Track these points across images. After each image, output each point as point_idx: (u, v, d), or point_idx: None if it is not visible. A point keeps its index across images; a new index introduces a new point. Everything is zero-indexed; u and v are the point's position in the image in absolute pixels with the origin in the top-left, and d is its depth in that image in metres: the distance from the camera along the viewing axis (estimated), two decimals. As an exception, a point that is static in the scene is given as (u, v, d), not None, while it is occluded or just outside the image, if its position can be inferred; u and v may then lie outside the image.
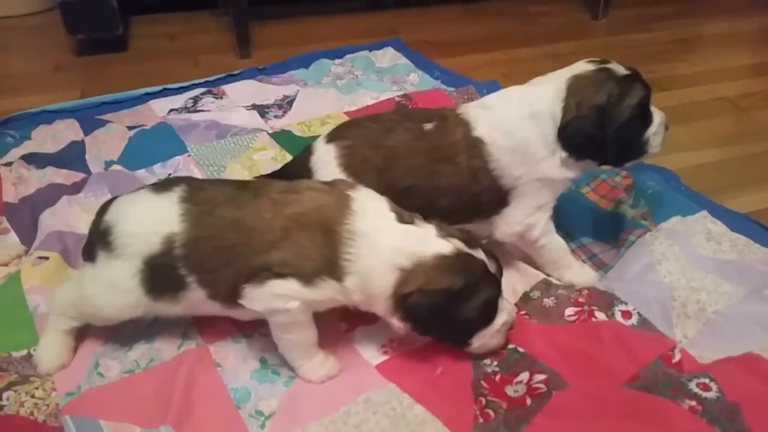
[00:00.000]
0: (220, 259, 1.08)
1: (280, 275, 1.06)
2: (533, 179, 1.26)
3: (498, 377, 1.14)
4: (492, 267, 1.12)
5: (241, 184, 1.19)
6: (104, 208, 1.17)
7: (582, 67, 1.27)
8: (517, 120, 1.25)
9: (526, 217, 1.29)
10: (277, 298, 1.07)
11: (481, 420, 1.06)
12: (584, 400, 1.06)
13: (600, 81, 1.23)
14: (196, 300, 1.13)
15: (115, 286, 1.12)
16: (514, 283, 1.34)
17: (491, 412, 1.07)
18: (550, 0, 3.20)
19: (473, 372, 1.15)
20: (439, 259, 1.06)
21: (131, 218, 1.12)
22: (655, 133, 1.30)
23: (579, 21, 2.99)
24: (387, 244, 1.07)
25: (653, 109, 1.31)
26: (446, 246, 1.08)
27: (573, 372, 1.13)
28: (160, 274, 1.10)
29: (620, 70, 1.26)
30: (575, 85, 1.24)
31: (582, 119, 1.22)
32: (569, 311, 1.26)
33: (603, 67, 1.26)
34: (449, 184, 1.26)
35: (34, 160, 1.77)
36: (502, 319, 1.14)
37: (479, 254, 1.11)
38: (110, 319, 1.17)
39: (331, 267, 1.06)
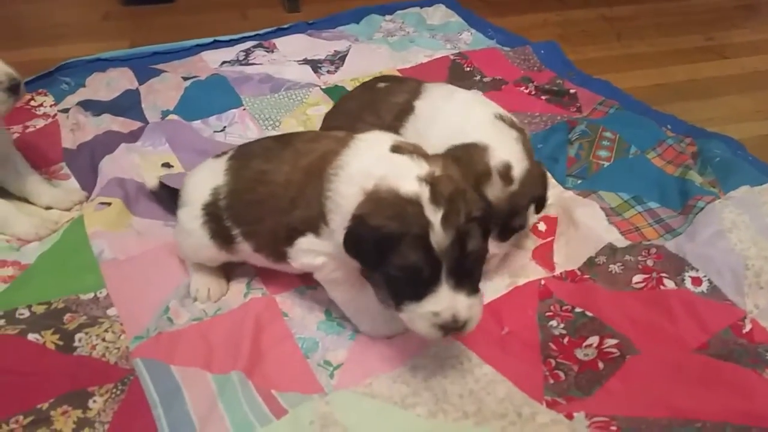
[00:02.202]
0: (254, 214, 1.11)
1: (302, 232, 1.06)
2: None
3: (566, 340, 1.13)
4: (447, 237, 0.92)
5: (280, 137, 1.20)
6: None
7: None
8: None
9: None
10: (305, 254, 1.07)
11: (552, 381, 1.05)
12: (659, 366, 1.05)
13: None
14: (246, 252, 1.16)
15: (184, 228, 1.21)
16: (578, 247, 1.32)
17: (561, 374, 1.07)
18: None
19: (540, 333, 1.14)
20: (390, 193, 0.93)
21: (195, 174, 1.24)
22: None
23: (636, -17, 2.88)
24: (358, 167, 0.99)
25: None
26: (410, 186, 0.93)
27: (643, 338, 1.12)
28: (214, 223, 1.16)
29: None
30: None
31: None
32: (637, 278, 1.24)
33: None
34: None
35: (90, 107, 1.77)
36: (431, 306, 0.94)
37: (453, 218, 0.92)
38: (195, 258, 1.23)
39: (322, 210, 1.01)
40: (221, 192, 1.14)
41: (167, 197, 1.38)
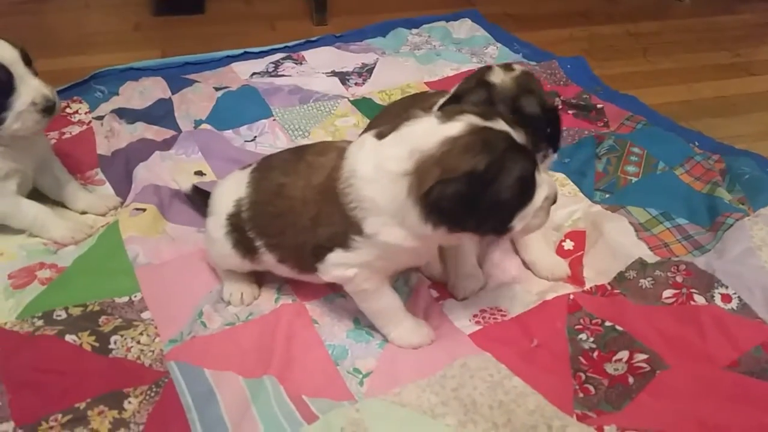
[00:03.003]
0: (275, 226, 1.13)
1: (330, 249, 1.07)
2: None
3: (596, 354, 1.13)
4: (519, 137, 0.98)
5: (296, 149, 1.21)
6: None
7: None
8: None
9: None
10: (336, 267, 1.08)
11: (582, 395, 1.06)
12: (689, 381, 1.05)
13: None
14: (270, 263, 1.19)
15: (211, 237, 1.23)
16: (608, 261, 1.32)
17: (591, 388, 1.07)
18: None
19: (570, 347, 1.14)
20: (448, 143, 0.94)
21: (222, 184, 1.27)
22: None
23: (662, 1, 2.89)
24: (374, 164, 0.99)
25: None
26: (453, 127, 0.95)
27: (673, 354, 1.12)
28: (237, 233, 1.18)
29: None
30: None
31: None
32: (667, 293, 1.24)
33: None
34: None
35: (124, 115, 1.81)
36: (543, 193, 1.00)
37: (500, 125, 0.97)
38: (222, 265, 1.25)
39: (350, 223, 1.03)
40: (243, 204, 1.16)
41: (200, 201, 1.41)
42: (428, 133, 0.96)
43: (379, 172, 0.98)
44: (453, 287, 1.27)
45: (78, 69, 2.10)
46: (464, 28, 2.43)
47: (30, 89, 1.26)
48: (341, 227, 1.03)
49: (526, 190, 0.98)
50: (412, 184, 0.96)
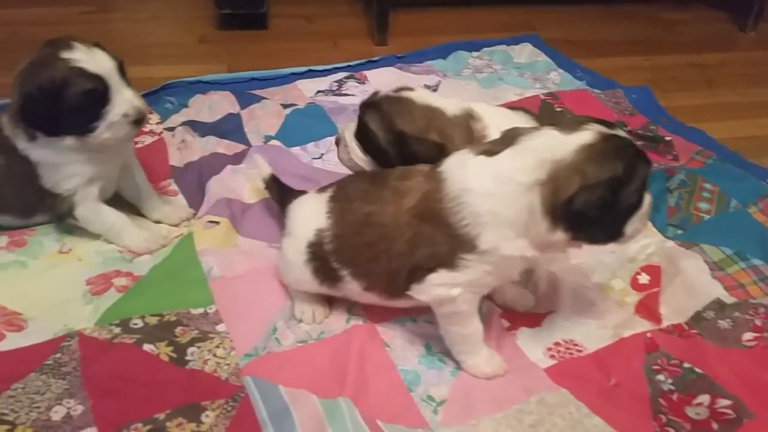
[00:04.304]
0: (365, 255, 1.13)
1: (431, 269, 1.07)
2: None
3: (675, 396, 1.11)
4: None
5: (372, 177, 1.22)
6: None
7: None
8: None
9: None
10: (438, 288, 1.08)
11: (663, 437, 1.03)
12: (778, 433, 1.02)
13: None
14: (354, 291, 1.19)
15: (287, 259, 1.24)
16: (684, 300, 1.30)
17: (672, 431, 1.04)
18: (689, 8, 3.05)
19: (649, 387, 1.12)
20: (585, 150, 0.98)
21: (299, 206, 1.28)
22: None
23: (725, 32, 2.84)
24: (494, 178, 1.01)
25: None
26: (586, 135, 0.99)
27: (757, 401, 1.09)
28: (319, 262, 1.19)
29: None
30: None
31: None
32: (747, 336, 1.21)
33: None
34: None
35: (195, 127, 1.85)
36: (649, 198, 1.06)
37: (620, 132, 1.03)
38: (296, 287, 1.27)
39: (458, 242, 1.04)
40: (326, 236, 1.17)
41: (276, 192, 1.44)
42: (558, 143, 1.00)
43: (502, 185, 1.00)
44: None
45: (144, 79, 2.14)
46: (525, 52, 2.42)
47: (124, 101, 1.29)
48: (445, 247, 1.04)
49: (643, 192, 1.04)
50: (546, 193, 0.98)
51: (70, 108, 1.25)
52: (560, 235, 1.01)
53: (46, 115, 1.26)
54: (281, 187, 1.43)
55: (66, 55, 1.24)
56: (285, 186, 1.43)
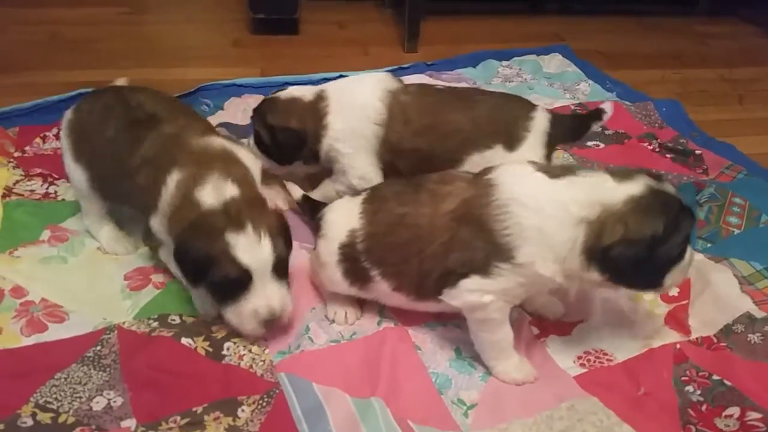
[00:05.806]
0: (397, 255, 1.16)
1: (464, 275, 1.09)
2: None
3: (704, 407, 1.11)
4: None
5: (407, 180, 1.24)
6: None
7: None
8: None
9: None
10: (471, 293, 1.10)
11: (693, 448, 1.04)
12: (810, 448, 1.02)
13: None
14: (383, 292, 1.21)
15: (320, 259, 1.27)
16: (714, 312, 1.30)
17: (702, 442, 1.05)
18: (722, 21, 3.04)
19: (679, 398, 1.13)
20: (632, 202, 1.02)
21: (333, 210, 1.31)
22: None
23: (758, 46, 2.83)
24: (550, 199, 1.04)
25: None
26: (635, 186, 1.03)
27: (788, 415, 1.09)
28: (350, 263, 1.21)
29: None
30: None
31: None
32: (778, 350, 1.21)
33: None
34: None
35: (230, 130, 1.89)
36: (690, 250, 1.09)
37: (668, 187, 1.06)
38: (327, 287, 1.29)
39: (496, 250, 1.06)
40: (358, 236, 1.20)
41: (309, 210, 1.47)
42: (610, 188, 1.03)
43: (556, 209, 1.03)
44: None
45: (178, 80, 2.20)
46: (555, 62, 2.44)
47: (261, 298, 1.17)
48: (481, 253, 1.06)
49: (685, 246, 1.06)
50: (590, 233, 1.01)
51: (209, 283, 1.17)
52: (595, 276, 1.05)
53: (190, 272, 1.19)
54: (313, 205, 1.45)
55: (230, 236, 1.14)
56: (317, 203, 1.45)
